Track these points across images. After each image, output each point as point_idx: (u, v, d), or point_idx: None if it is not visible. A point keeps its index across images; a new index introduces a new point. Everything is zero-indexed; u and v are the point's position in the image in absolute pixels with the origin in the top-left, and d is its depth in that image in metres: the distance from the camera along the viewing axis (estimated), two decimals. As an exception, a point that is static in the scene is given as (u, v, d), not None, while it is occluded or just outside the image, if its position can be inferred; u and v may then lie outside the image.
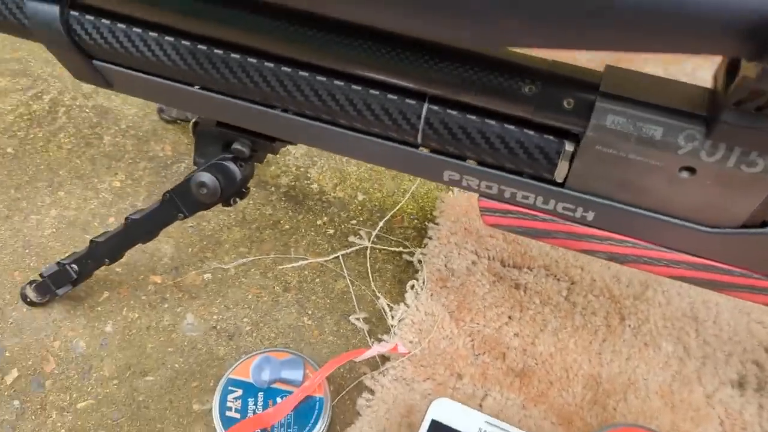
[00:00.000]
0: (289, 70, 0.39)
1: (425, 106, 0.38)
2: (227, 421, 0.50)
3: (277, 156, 0.74)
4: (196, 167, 0.51)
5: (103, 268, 0.57)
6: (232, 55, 0.40)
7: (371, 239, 0.66)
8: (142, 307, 0.61)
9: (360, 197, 0.71)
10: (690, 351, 0.56)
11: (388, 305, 0.61)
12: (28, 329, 0.59)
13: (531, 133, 0.37)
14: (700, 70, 0.81)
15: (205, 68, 0.41)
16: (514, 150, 0.37)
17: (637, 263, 0.41)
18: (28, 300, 0.59)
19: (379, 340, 0.58)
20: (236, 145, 0.48)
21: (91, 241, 0.55)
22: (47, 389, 0.55)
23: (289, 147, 0.75)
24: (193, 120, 0.51)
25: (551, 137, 0.37)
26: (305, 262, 0.65)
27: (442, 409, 0.50)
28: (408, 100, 0.38)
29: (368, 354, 0.55)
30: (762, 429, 0.52)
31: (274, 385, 0.53)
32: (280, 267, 0.64)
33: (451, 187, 0.66)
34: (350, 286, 0.63)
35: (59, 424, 0.53)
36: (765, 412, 0.52)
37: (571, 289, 0.61)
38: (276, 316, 0.61)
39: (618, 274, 0.61)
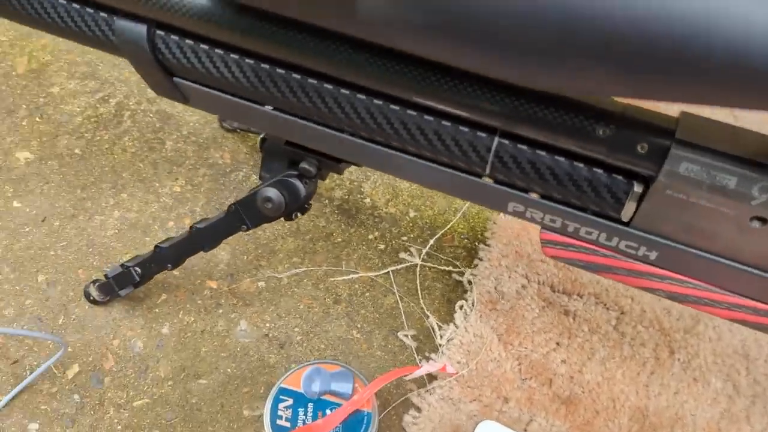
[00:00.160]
0: (364, 97, 0.41)
1: (496, 139, 0.39)
2: (278, 429, 0.52)
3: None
4: (261, 181, 0.52)
5: (162, 271, 0.59)
6: (309, 80, 0.41)
7: (421, 257, 0.67)
8: (198, 311, 0.63)
9: (411, 214, 0.72)
10: (740, 389, 0.56)
11: (438, 324, 0.62)
12: (90, 326, 0.61)
13: (600, 172, 0.37)
14: None
15: (282, 91, 0.42)
16: (583, 188, 0.38)
17: (698, 304, 0.41)
18: (91, 298, 0.61)
19: (427, 358, 0.59)
20: (304, 164, 0.50)
21: (156, 246, 0.57)
22: (106, 386, 0.58)
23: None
24: (261, 136, 0.53)
25: (620, 177, 0.37)
26: (356, 275, 0.66)
27: (489, 432, 0.51)
28: (479, 133, 0.39)
29: (418, 373, 0.56)
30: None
31: (324, 397, 0.54)
32: (332, 279, 0.66)
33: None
34: (399, 302, 0.64)
35: (116, 421, 0.56)
36: (815, 457, 0.52)
37: (621, 318, 0.61)
38: (326, 328, 0.62)
39: (669, 306, 0.61)
